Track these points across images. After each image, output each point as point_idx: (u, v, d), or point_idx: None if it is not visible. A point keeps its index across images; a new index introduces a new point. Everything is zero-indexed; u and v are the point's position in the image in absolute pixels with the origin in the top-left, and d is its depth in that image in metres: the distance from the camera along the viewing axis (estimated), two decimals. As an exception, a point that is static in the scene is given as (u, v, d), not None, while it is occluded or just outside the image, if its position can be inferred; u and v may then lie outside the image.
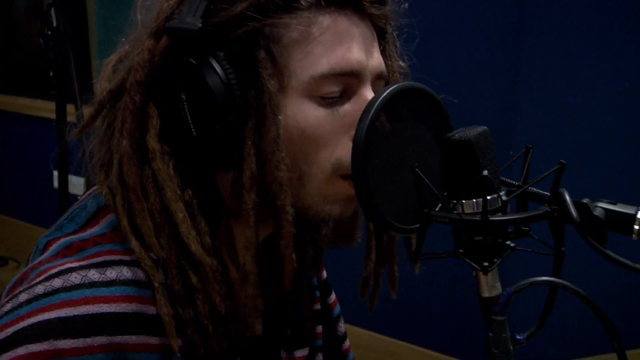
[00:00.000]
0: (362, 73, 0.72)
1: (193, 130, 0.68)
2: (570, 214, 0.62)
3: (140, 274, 0.67)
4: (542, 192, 0.67)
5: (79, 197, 0.77)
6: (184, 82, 0.67)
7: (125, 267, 0.67)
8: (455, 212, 0.65)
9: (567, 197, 0.63)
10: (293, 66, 0.69)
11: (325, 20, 0.69)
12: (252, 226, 0.69)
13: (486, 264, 0.62)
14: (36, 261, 0.68)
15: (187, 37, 0.67)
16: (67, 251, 0.68)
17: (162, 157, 0.68)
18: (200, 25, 0.66)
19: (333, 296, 0.98)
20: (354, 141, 0.66)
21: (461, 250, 0.65)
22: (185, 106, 0.68)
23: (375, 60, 0.73)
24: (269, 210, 0.71)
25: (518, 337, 0.68)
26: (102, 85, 0.75)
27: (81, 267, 0.65)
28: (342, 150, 0.72)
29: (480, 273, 0.67)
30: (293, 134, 0.69)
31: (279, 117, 0.68)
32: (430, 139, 0.75)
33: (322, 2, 0.69)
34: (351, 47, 0.70)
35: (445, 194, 0.66)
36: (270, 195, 0.70)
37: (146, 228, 0.68)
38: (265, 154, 0.69)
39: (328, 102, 0.70)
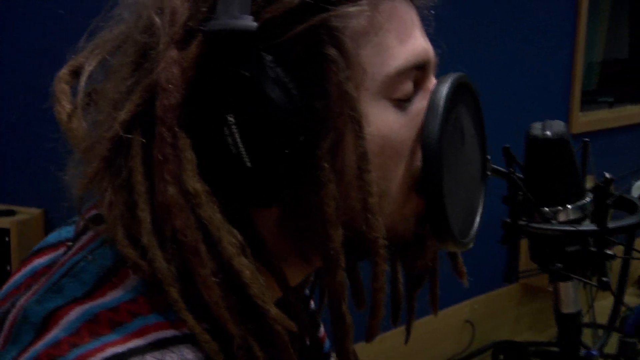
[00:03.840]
0: (430, 63, 0.60)
1: (247, 160, 0.52)
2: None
3: (200, 354, 0.51)
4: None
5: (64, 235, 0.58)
6: (232, 99, 0.51)
7: (184, 347, 0.50)
8: (553, 221, 0.56)
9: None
10: (364, 63, 0.55)
11: (387, 5, 0.57)
12: (340, 268, 0.55)
13: (606, 279, 0.54)
14: (46, 343, 0.49)
15: (238, 41, 0.51)
16: (94, 327, 0.49)
17: (207, 200, 0.51)
18: (256, 24, 0.50)
19: (322, 329, 0.85)
20: (427, 144, 0.55)
21: (560, 265, 0.57)
22: (235, 131, 0.51)
23: (431, 48, 0.62)
24: (353, 244, 0.57)
25: (592, 352, 0.61)
26: (64, 108, 0.57)
27: (132, 352, 0.48)
28: (420, 160, 0.59)
29: (561, 286, 0.59)
30: (373, 148, 0.56)
31: (367, 128, 0.54)
32: (474, 137, 0.66)
33: None
34: (416, 34, 0.59)
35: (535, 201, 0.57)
36: (354, 228, 0.56)
37: (214, 297, 0.51)
38: (349, 177, 0.55)
39: (404, 104, 0.57)
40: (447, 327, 2.48)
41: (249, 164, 0.51)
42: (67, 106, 0.56)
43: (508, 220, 0.56)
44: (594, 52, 3.40)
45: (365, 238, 0.54)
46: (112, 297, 0.51)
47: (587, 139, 0.59)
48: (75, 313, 0.50)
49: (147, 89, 0.52)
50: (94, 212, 0.57)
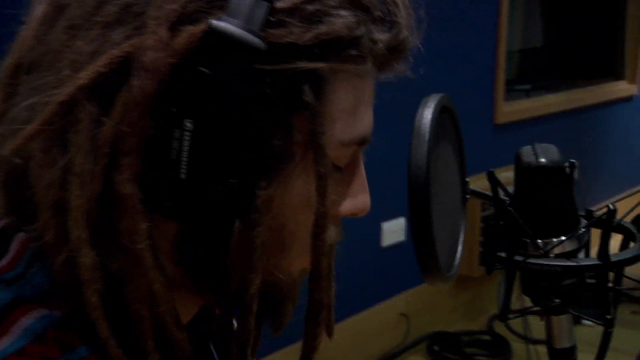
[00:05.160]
0: (369, 140, 0.57)
1: (183, 171, 0.46)
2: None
3: None
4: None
5: None
6: (200, 107, 0.45)
7: None
8: (551, 254, 0.52)
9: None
10: (331, 125, 0.50)
11: (369, 75, 0.53)
12: (252, 314, 0.52)
13: (609, 316, 0.51)
14: None
15: (238, 54, 0.45)
16: None
17: (136, 208, 0.46)
18: (264, 45, 0.45)
19: None
20: (413, 173, 0.51)
21: (558, 301, 0.53)
22: (186, 138, 0.45)
23: None
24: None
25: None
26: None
27: None
28: (331, 226, 0.56)
29: (554, 320, 0.56)
30: (294, 201, 0.52)
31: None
32: (454, 159, 0.63)
33: (376, 57, 0.52)
34: (371, 109, 0.55)
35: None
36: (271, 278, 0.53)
37: (148, 334, 0.47)
38: (280, 227, 0.52)
39: (335, 171, 0.53)
40: (382, 321, 2.47)
41: (183, 176, 0.46)
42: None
43: (503, 255, 0.52)
44: (512, 41, 3.45)
45: (280, 289, 0.53)
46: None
47: (573, 161, 0.56)
48: None
49: (116, 59, 0.45)
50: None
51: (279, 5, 0.46)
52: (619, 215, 0.55)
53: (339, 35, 0.48)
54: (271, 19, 0.46)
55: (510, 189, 0.60)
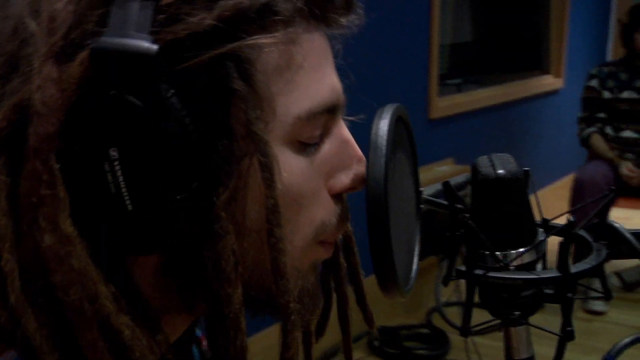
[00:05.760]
0: (341, 106, 0.54)
1: (128, 202, 0.44)
2: (635, 248, 0.54)
3: None
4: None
5: None
6: (118, 131, 0.43)
7: None
8: (510, 267, 0.52)
9: (626, 232, 0.54)
10: (274, 102, 0.47)
11: (305, 38, 0.49)
12: (241, 332, 0.48)
13: (570, 328, 0.50)
14: None
15: (131, 64, 0.43)
16: None
17: (81, 247, 0.44)
18: (156, 47, 0.42)
19: None
20: (371, 189, 0.49)
21: (518, 313, 0.53)
22: (117, 168, 0.43)
23: (341, 87, 0.56)
24: (257, 303, 0.50)
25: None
26: None
27: None
28: (324, 210, 0.53)
29: (513, 332, 0.56)
30: (260, 199, 0.48)
31: (280, 174, 0.47)
32: (408, 169, 0.61)
33: (302, 14, 0.49)
34: (330, 73, 0.52)
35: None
36: (260, 287, 0.50)
37: None
38: (253, 231, 0.48)
39: (308, 149, 0.51)
40: (322, 319, 2.46)
41: (130, 207, 0.43)
42: None
43: (462, 269, 0.51)
44: (443, 35, 3.50)
45: (274, 301, 0.48)
46: None
47: (527, 169, 0.55)
48: None
49: (14, 109, 0.42)
50: None
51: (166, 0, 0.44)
52: (550, 211, 0.55)
53: (242, 7, 0.45)
54: (161, 16, 0.43)
55: (464, 191, 0.59)
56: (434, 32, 2.89)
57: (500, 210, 0.51)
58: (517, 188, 0.51)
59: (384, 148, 0.51)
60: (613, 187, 0.54)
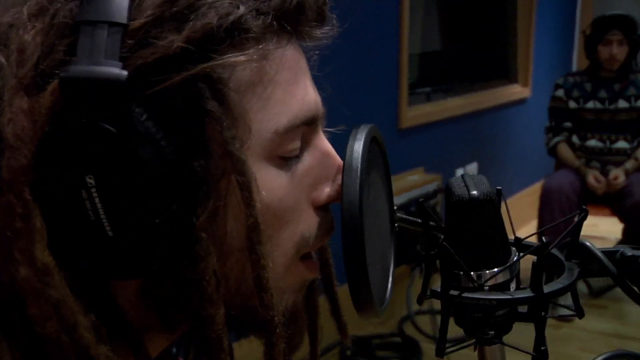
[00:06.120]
0: (319, 117, 0.54)
1: (108, 228, 0.44)
2: (606, 267, 0.54)
3: None
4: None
5: None
6: (92, 158, 0.43)
7: None
8: (484, 287, 0.52)
9: (597, 251, 0.55)
10: (249, 119, 0.47)
11: (277, 53, 0.49)
12: (225, 353, 0.48)
13: (544, 347, 0.51)
14: None
15: (103, 91, 0.43)
16: None
17: (59, 277, 0.43)
18: (126, 73, 0.42)
19: None
20: (346, 211, 0.50)
21: (492, 332, 0.53)
22: (95, 195, 0.43)
23: (320, 99, 0.56)
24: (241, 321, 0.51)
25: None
26: None
27: None
28: (305, 224, 0.53)
29: (487, 350, 0.56)
30: (240, 218, 0.49)
31: (259, 193, 0.47)
32: (382, 188, 0.61)
33: (272, 29, 0.49)
34: (306, 85, 0.53)
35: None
36: (243, 306, 0.50)
37: None
38: (235, 250, 0.49)
39: (289, 162, 0.51)
40: (294, 329, 2.45)
41: (110, 233, 0.44)
42: None
43: (437, 290, 0.51)
44: (413, 45, 3.52)
45: (259, 316, 0.48)
46: None
47: (499, 187, 0.55)
48: None
49: None
50: None
51: (134, 24, 0.44)
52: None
53: (211, 27, 0.45)
54: (130, 41, 0.43)
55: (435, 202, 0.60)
56: (403, 42, 2.91)
57: (474, 230, 0.52)
58: (491, 208, 0.52)
59: (358, 170, 0.51)
60: (585, 207, 0.55)
